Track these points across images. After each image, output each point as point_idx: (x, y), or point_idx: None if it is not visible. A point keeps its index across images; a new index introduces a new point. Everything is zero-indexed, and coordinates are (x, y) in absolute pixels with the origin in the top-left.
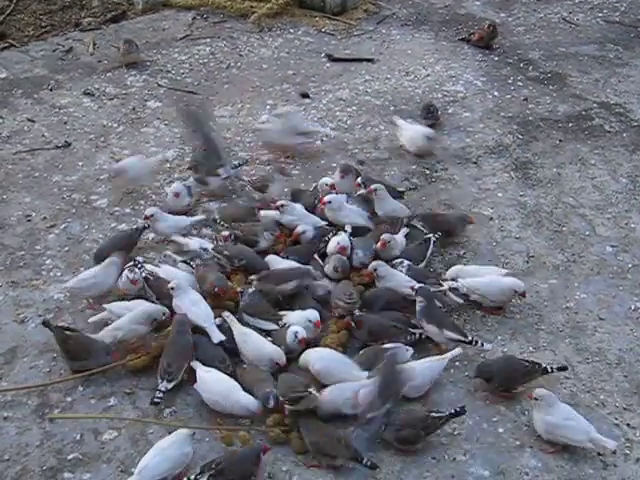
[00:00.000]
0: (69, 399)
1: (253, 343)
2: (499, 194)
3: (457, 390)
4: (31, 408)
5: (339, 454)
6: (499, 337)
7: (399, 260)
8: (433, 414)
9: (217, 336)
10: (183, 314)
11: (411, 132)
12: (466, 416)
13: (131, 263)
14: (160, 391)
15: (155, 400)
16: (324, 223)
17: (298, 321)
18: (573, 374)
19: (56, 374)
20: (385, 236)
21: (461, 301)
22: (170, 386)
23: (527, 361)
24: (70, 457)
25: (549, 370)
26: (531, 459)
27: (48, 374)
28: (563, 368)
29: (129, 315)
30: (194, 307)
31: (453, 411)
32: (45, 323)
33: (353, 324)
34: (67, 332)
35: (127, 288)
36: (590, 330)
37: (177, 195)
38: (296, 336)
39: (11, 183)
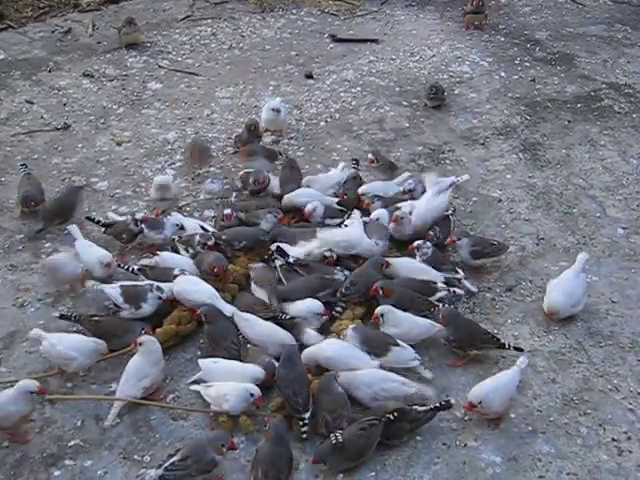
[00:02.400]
0: (69, 385)
1: (259, 327)
2: (507, 175)
3: (467, 375)
4: None
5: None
6: (509, 320)
7: (421, 242)
8: (417, 407)
9: (228, 309)
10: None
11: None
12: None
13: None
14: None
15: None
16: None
17: (302, 313)
18: (586, 358)
19: None
20: (398, 212)
21: (476, 290)
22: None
23: (488, 332)
24: (71, 444)
25: (506, 346)
26: (544, 445)
27: (47, 359)
28: (519, 349)
29: None
30: (194, 287)
31: (438, 404)
32: (63, 316)
33: (380, 292)
34: (94, 318)
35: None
36: (602, 313)
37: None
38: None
39: (10, 165)
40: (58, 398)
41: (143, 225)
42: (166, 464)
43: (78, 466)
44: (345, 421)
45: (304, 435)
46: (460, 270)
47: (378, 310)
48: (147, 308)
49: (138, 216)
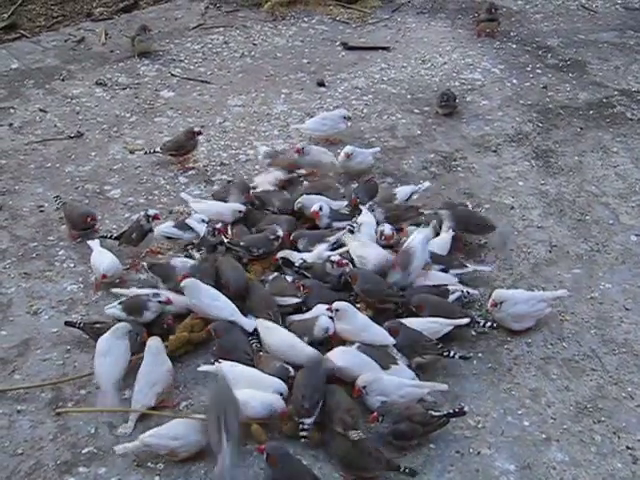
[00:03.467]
0: (83, 392)
1: (279, 337)
2: (520, 183)
3: (480, 382)
4: (45, 401)
5: (371, 467)
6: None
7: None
8: (432, 412)
9: (249, 325)
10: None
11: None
12: (490, 408)
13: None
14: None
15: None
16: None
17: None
18: (600, 365)
19: (70, 367)
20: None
21: (490, 269)
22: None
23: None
24: (85, 451)
25: (450, 355)
26: (558, 453)
27: (62, 367)
28: (465, 357)
29: None
30: (215, 302)
31: (452, 411)
32: (68, 323)
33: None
34: (97, 325)
35: None
36: (616, 321)
37: None
38: (327, 332)
39: (23, 174)
40: (69, 411)
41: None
42: None
43: (92, 473)
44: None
45: (302, 440)
46: (468, 264)
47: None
48: (149, 315)
49: (151, 212)
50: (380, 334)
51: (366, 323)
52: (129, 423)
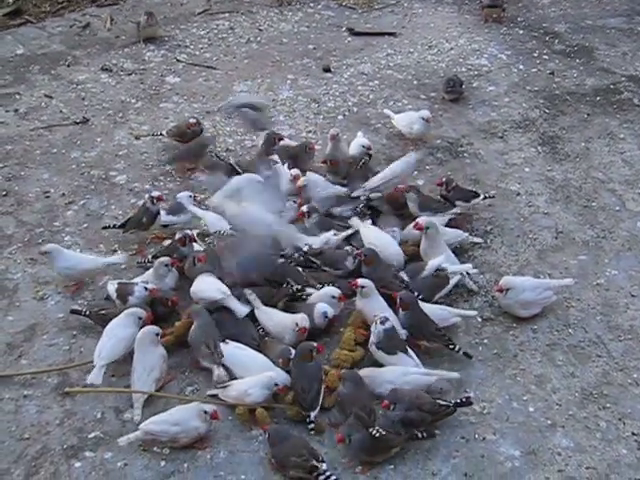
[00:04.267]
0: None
1: (277, 317)
2: (526, 169)
3: (485, 368)
4: (51, 386)
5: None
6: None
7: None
8: (440, 402)
9: (241, 310)
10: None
11: (406, 118)
12: (495, 394)
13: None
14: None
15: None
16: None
17: (322, 299)
18: (606, 352)
19: (76, 352)
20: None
21: (480, 240)
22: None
23: (440, 329)
24: (91, 436)
25: (455, 349)
26: (563, 439)
27: (68, 352)
28: (468, 356)
29: None
30: (209, 285)
31: (459, 400)
32: (74, 311)
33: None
34: (103, 311)
35: None
36: (622, 307)
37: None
38: (326, 316)
39: (29, 160)
40: (76, 391)
41: (160, 206)
42: None
43: (98, 458)
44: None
45: (311, 432)
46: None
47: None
48: (133, 300)
49: (154, 193)
50: (395, 323)
51: (385, 307)
52: (136, 410)
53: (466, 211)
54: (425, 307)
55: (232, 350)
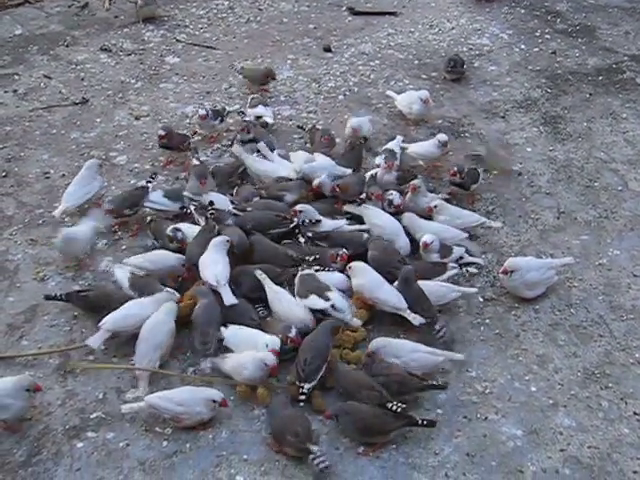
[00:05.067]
0: (91, 358)
1: (287, 302)
2: (528, 149)
3: (487, 348)
4: (52, 367)
5: (392, 427)
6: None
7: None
8: (415, 379)
9: (229, 299)
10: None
11: (406, 98)
12: (497, 374)
13: None
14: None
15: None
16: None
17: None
18: (608, 332)
19: (77, 333)
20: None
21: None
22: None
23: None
24: (93, 416)
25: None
26: (565, 418)
27: (69, 333)
28: (443, 339)
29: None
30: (212, 266)
31: (434, 383)
32: (48, 297)
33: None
34: (82, 294)
35: None
36: (624, 287)
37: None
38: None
39: (28, 140)
40: (77, 366)
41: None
42: None
43: (100, 438)
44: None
45: (300, 403)
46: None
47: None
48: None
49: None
50: (394, 296)
51: (382, 281)
52: (141, 384)
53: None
54: (425, 284)
55: (233, 331)
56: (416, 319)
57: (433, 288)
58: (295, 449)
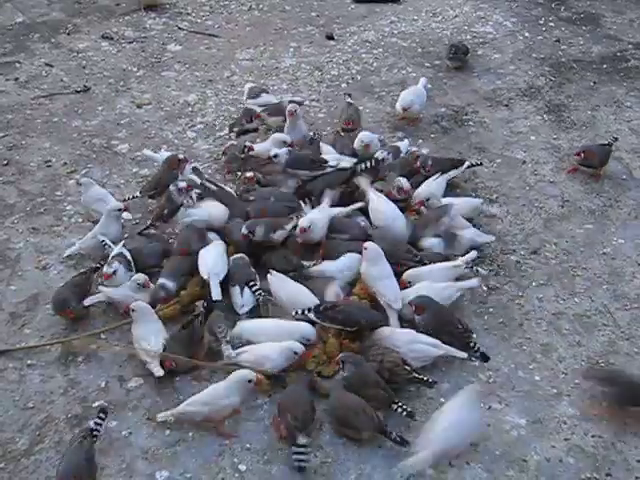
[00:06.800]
0: (93, 346)
1: (290, 288)
2: (532, 137)
3: (491, 337)
4: (54, 355)
5: (364, 427)
6: (534, 283)
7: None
8: (407, 367)
9: (216, 294)
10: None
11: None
12: (501, 363)
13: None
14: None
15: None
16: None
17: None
18: (612, 321)
19: (79, 321)
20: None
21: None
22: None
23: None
24: (95, 405)
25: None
26: (569, 408)
27: (71, 322)
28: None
29: None
30: (211, 260)
31: (424, 378)
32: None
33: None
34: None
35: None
36: (628, 276)
37: None
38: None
39: (30, 129)
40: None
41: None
42: None
43: (103, 427)
44: None
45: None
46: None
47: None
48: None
49: (181, 184)
50: (393, 291)
51: (388, 275)
52: (154, 367)
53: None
54: (431, 287)
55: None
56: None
57: (439, 291)
58: (287, 432)
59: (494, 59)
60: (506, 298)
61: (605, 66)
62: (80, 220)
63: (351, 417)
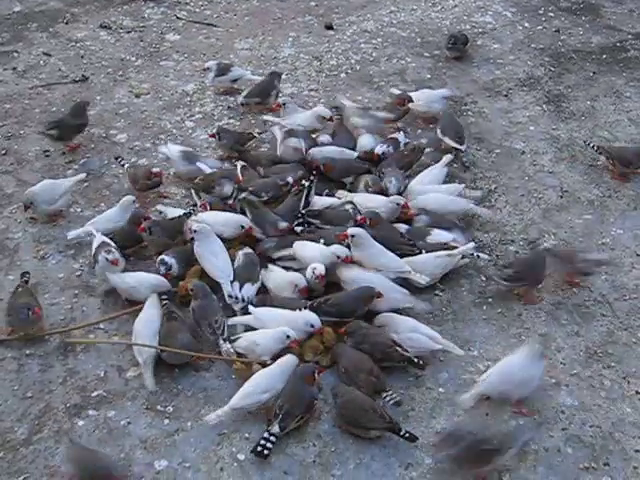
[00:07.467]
0: (92, 336)
1: (275, 274)
2: (531, 127)
3: (489, 327)
4: (53, 345)
5: (373, 426)
6: None
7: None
8: (399, 349)
9: (229, 292)
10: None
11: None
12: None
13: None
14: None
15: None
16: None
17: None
18: (610, 311)
19: (78, 311)
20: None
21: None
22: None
23: None
24: (94, 394)
25: None
26: (567, 397)
27: (70, 311)
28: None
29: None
30: (213, 258)
31: (415, 360)
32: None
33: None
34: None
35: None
36: (627, 267)
37: None
38: (314, 272)
39: (28, 118)
40: (77, 341)
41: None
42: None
43: (102, 416)
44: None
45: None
46: None
47: (349, 231)
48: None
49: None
50: (396, 260)
51: (382, 250)
52: (148, 379)
53: None
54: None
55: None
56: (422, 278)
57: (432, 261)
58: (273, 413)
59: (493, 49)
60: (505, 288)
61: (605, 56)
62: (79, 210)
63: (359, 416)
